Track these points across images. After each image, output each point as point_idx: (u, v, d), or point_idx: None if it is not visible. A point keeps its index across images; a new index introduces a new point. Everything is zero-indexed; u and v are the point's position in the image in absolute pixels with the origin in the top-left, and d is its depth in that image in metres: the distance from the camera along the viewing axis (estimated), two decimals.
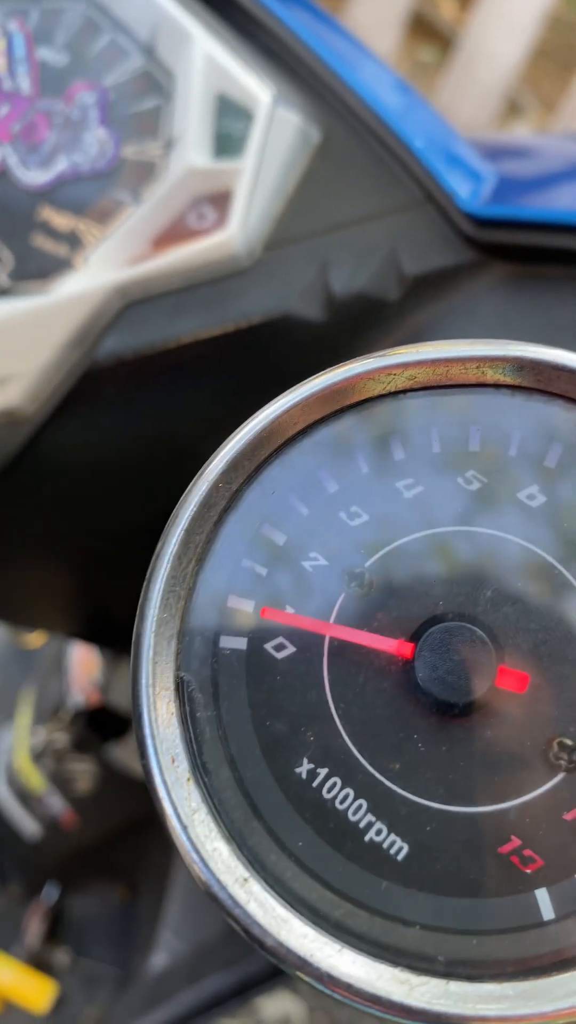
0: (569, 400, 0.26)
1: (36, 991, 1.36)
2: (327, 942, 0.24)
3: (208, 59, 0.49)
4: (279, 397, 0.27)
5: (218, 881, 0.24)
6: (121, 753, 0.98)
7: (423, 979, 0.23)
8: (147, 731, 0.25)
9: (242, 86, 0.49)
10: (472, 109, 3.46)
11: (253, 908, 0.24)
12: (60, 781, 1.19)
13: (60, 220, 0.50)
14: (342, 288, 0.47)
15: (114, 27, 0.53)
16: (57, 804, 1.29)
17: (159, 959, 1.17)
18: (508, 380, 0.26)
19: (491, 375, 0.26)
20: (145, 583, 0.26)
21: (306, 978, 0.24)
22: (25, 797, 1.34)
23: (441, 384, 0.27)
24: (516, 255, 0.46)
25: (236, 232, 0.47)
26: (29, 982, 1.37)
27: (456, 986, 0.22)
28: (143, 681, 0.25)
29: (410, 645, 0.25)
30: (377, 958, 0.23)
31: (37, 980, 1.38)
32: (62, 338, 0.47)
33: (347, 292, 0.47)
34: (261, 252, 0.48)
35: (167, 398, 0.49)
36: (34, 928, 1.36)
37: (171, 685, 0.25)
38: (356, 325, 0.48)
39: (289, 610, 0.26)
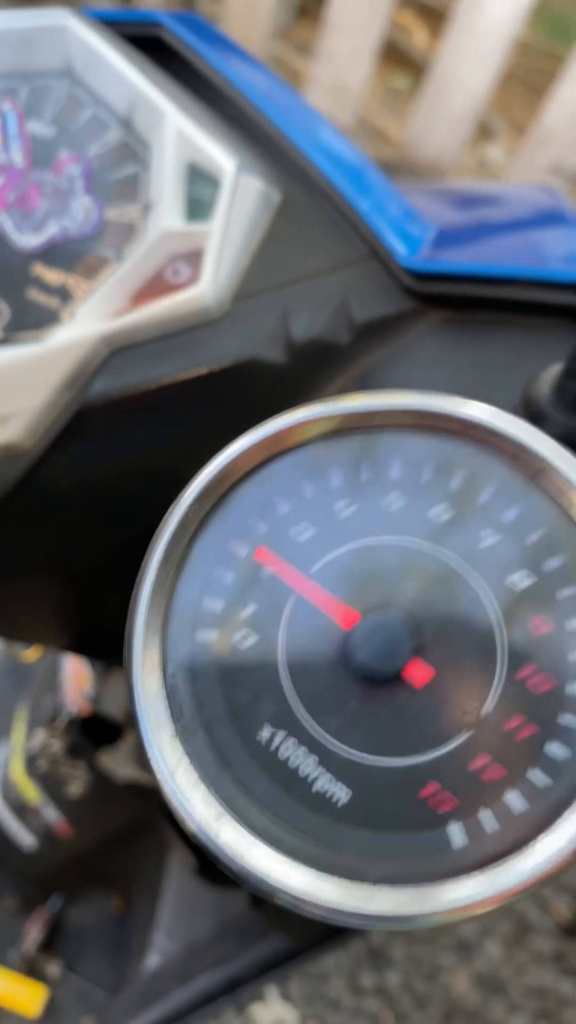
0: (465, 436, 0.33)
1: (28, 996, 1.38)
2: (284, 862, 0.30)
3: (179, 133, 0.54)
4: (233, 443, 0.33)
5: (195, 817, 0.30)
6: (111, 762, 1.03)
7: (358, 885, 0.29)
8: (139, 703, 0.31)
9: (209, 156, 0.54)
10: (443, 134, 3.55)
11: (224, 838, 0.30)
12: (54, 786, 1.23)
13: (52, 276, 0.55)
14: (301, 334, 0.53)
15: (95, 103, 0.58)
16: (52, 815, 1.32)
17: (152, 960, 1.21)
18: (411, 422, 0.33)
19: (397, 420, 0.33)
20: (135, 588, 0.32)
21: (265, 891, 0.30)
22: (20, 809, 1.37)
23: (368, 426, 0.33)
24: (450, 303, 0.52)
25: (207, 287, 0.53)
26: (20, 988, 1.39)
27: (382, 890, 0.29)
28: (135, 664, 0.31)
29: (353, 616, 0.32)
30: (322, 872, 0.29)
31: (28, 986, 1.40)
32: (56, 381, 0.52)
33: (305, 337, 0.53)
34: (230, 304, 0.53)
35: (150, 432, 0.54)
36: (33, 934, 1.39)
37: (157, 668, 0.32)
38: (313, 366, 0.54)
39: (277, 565, 0.32)
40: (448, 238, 0.55)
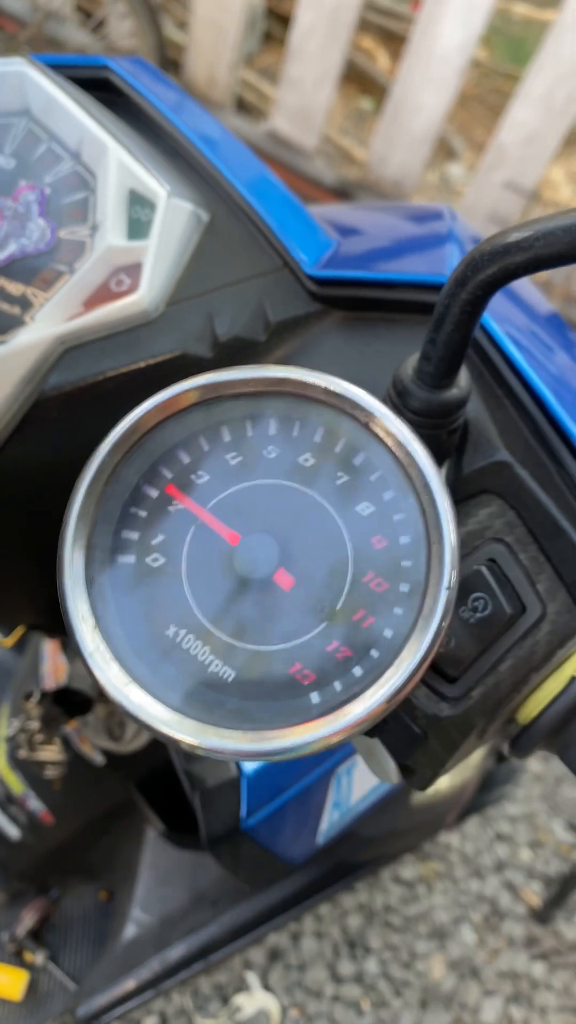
0: (320, 400, 0.42)
1: (10, 982, 1.43)
2: (178, 717, 0.38)
3: (120, 163, 0.63)
4: (138, 407, 0.42)
5: (111, 684, 0.39)
6: (85, 731, 1.10)
7: (232, 732, 0.38)
8: (69, 602, 0.40)
9: (146, 184, 0.63)
10: (404, 154, 3.68)
11: (132, 699, 0.39)
12: (34, 772, 1.30)
13: (13, 288, 0.63)
14: (224, 332, 0.62)
15: (50, 138, 0.66)
16: (35, 804, 1.38)
17: (129, 931, 1.28)
18: (272, 389, 0.42)
19: (268, 388, 0.42)
20: (64, 521, 0.41)
21: (163, 738, 0.38)
22: (6, 801, 1.42)
23: (251, 392, 0.43)
24: (346, 304, 0.62)
25: (145, 294, 0.61)
26: (2, 975, 1.44)
27: (250, 734, 0.38)
28: (66, 574, 0.40)
29: (237, 537, 0.41)
30: (206, 724, 0.38)
31: (10, 972, 1.45)
32: (18, 376, 0.60)
33: (227, 335, 0.62)
34: (164, 307, 0.62)
35: (99, 418, 0.62)
36: (27, 921, 1.45)
37: (82, 578, 0.41)
38: (235, 359, 0.62)
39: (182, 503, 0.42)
40: (347, 250, 0.65)
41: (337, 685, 0.38)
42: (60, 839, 1.43)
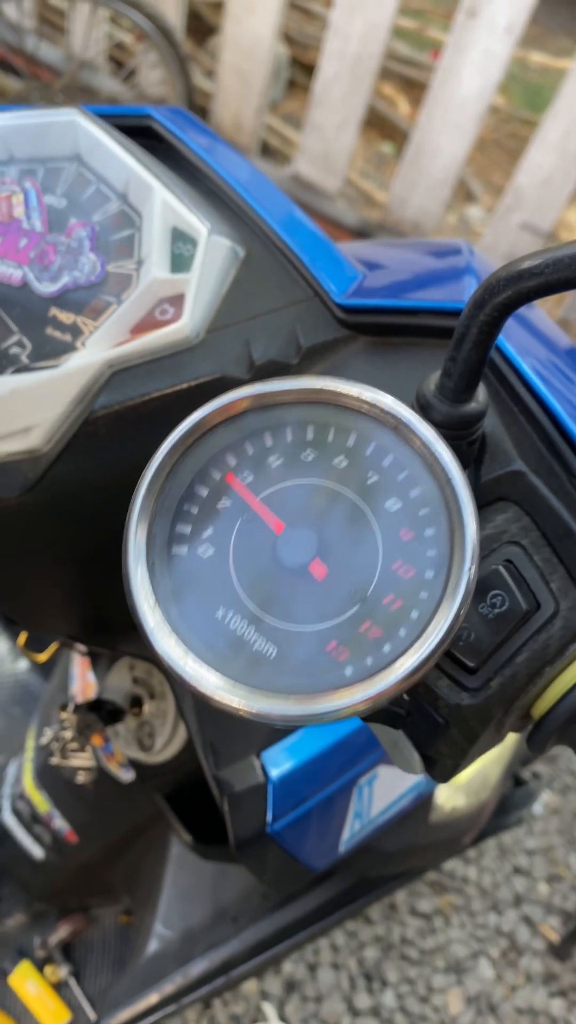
0: (352, 407, 0.47)
1: (55, 1013, 1.43)
2: (232, 685, 0.43)
3: (164, 203, 0.68)
4: (201, 408, 0.48)
5: (171, 656, 0.43)
6: (111, 765, 1.14)
7: (277, 697, 0.42)
8: (133, 584, 0.44)
9: (188, 222, 0.68)
10: (423, 197, 3.77)
11: (190, 669, 0.43)
12: (62, 788, 1.33)
13: (64, 317, 0.68)
14: (259, 357, 0.66)
15: (98, 180, 0.72)
16: (60, 823, 1.41)
17: (151, 947, 1.30)
18: (310, 399, 0.47)
19: (307, 397, 0.47)
20: (129, 509, 0.46)
21: (221, 706, 0.43)
22: (31, 821, 1.45)
23: (291, 401, 0.48)
24: (371, 330, 0.67)
25: (187, 322, 0.66)
26: (49, 1002, 1.44)
27: (292, 699, 0.42)
28: (130, 558, 0.44)
29: (282, 525, 0.45)
30: (253, 689, 0.43)
31: (55, 1001, 1.45)
32: (68, 397, 0.65)
33: (263, 359, 0.67)
34: (205, 334, 0.67)
35: (144, 436, 0.65)
36: (62, 932, 1.47)
37: (144, 563, 0.45)
38: None
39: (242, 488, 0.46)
40: (372, 281, 0.71)
41: (369, 660, 0.43)
42: (84, 858, 1.44)
